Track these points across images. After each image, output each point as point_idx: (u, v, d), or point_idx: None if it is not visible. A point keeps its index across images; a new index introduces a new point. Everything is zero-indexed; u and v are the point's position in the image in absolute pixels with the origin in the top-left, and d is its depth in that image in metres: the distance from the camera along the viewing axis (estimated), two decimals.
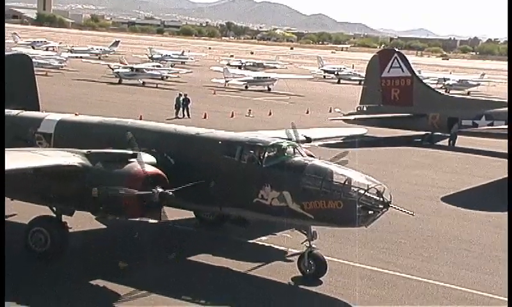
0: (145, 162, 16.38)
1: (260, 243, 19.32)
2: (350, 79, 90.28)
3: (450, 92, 74.18)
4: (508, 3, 28.20)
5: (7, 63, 24.31)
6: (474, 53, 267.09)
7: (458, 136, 40.69)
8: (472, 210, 25.10)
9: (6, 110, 21.28)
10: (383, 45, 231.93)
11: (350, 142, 30.45)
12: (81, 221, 18.49)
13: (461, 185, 29.69)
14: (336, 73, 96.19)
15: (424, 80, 53.51)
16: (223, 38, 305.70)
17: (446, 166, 34.74)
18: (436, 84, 79.57)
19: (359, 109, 43.40)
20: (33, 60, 27.52)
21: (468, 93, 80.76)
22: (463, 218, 24.17)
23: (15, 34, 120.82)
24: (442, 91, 60.89)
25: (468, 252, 20.13)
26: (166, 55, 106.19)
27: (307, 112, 52.91)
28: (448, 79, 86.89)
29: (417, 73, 50.97)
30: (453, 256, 19.72)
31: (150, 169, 16.10)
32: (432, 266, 18.61)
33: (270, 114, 50.34)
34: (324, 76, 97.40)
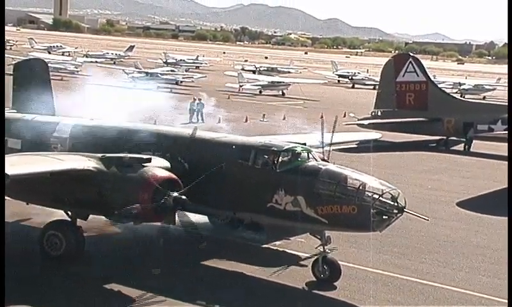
0: (159, 167, 16.44)
1: (274, 248, 19.29)
2: (364, 84, 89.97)
3: (466, 97, 73.72)
4: (508, 3, 28.03)
5: (23, 68, 24.59)
6: (490, 57, 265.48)
7: (475, 141, 40.43)
8: (488, 215, 24.92)
9: (21, 115, 21.53)
10: (397, 50, 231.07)
11: (364, 146, 30.35)
12: (96, 225, 18.55)
13: (476, 190, 29.51)
14: (350, 77, 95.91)
15: (439, 85, 53.27)
16: (238, 42, 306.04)
17: (461, 171, 34.56)
18: (451, 88, 79.13)
19: (373, 114, 43.25)
20: (49, 65, 27.70)
21: (484, 98, 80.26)
22: (478, 223, 24.01)
23: (32, 39, 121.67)
24: (457, 96, 60.57)
25: (484, 258, 19.98)
26: (181, 60, 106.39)
27: (321, 117, 52.69)
28: (464, 84, 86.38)
29: (432, 78, 50.75)
30: (469, 261, 19.59)
31: (164, 174, 16.14)
32: (448, 271, 18.49)
33: (284, 118, 50.29)
34: (339, 81, 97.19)
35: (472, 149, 40.50)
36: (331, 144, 18.70)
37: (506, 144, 38.10)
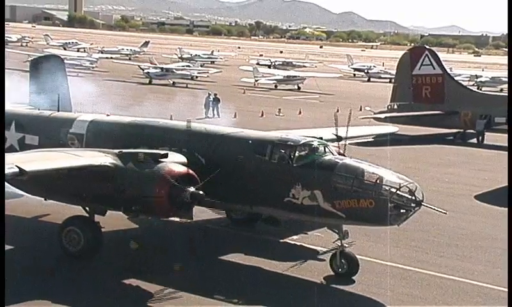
0: (176, 162, 16.45)
1: (292, 242, 19.27)
2: (380, 77, 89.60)
3: (483, 89, 73.18)
4: (508, 3, 27.76)
5: (40, 64, 24.74)
6: (507, 49, 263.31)
7: (492, 134, 40.10)
8: (506, 208, 24.67)
9: (38, 111, 21.64)
10: (413, 43, 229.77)
11: (381, 140, 30.23)
12: (114, 221, 18.63)
13: (494, 183, 29.28)
14: (366, 71, 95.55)
15: (456, 78, 52.91)
16: (252, 37, 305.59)
17: (479, 164, 34.33)
18: (468, 81, 78.59)
19: (390, 107, 43.07)
20: (65, 61, 27.83)
21: (501, 90, 79.62)
22: (496, 216, 23.82)
23: (47, 35, 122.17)
24: (474, 89, 60.15)
25: (502, 251, 19.75)
26: (196, 55, 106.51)
27: (337, 111, 52.56)
28: (481, 76, 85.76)
29: (449, 71, 50.42)
30: (487, 254, 19.48)
31: (181, 169, 16.14)
32: (467, 264, 18.39)
33: (300, 113, 50.23)
34: (354, 74, 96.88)
35: (489, 142, 40.17)
36: (346, 138, 18.68)
37: None
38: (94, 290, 15.41)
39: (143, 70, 71.16)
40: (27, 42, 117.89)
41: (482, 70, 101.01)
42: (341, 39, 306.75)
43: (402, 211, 15.82)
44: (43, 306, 14.44)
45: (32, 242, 18.19)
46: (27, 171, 14.78)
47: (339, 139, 19.34)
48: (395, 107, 42.68)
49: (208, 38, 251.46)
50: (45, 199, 18.25)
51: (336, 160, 16.54)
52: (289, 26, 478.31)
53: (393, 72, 53.06)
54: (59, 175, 16.37)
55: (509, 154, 27.14)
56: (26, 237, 18.26)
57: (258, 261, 17.55)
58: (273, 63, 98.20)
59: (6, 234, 12.88)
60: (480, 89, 70.32)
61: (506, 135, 39.28)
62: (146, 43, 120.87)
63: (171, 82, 69.26)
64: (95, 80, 68.48)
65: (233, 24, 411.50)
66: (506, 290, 16.54)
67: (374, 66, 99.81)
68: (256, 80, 70.14)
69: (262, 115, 46.94)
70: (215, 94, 47.65)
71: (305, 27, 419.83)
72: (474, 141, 41.01)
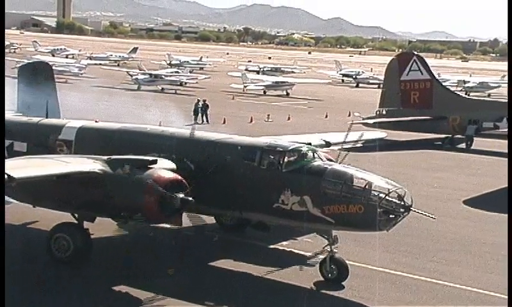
0: (165, 168, 16.43)
1: (281, 248, 19.27)
2: (369, 83, 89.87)
3: (471, 94, 73.58)
4: (508, 3, 27.97)
5: (28, 71, 24.64)
6: (494, 55, 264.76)
7: (480, 138, 40.30)
8: (495, 213, 24.84)
9: (27, 118, 21.56)
10: (401, 49, 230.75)
11: (370, 145, 30.28)
12: (103, 227, 18.56)
13: (483, 187, 29.44)
14: (354, 77, 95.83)
15: (444, 83, 53.14)
16: (241, 43, 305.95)
17: (467, 169, 34.50)
18: (456, 86, 78.99)
19: (378, 113, 43.20)
20: (53, 67, 27.74)
21: (489, 95, 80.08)
22: (485, 221, 23.95)
23: (35, 42, 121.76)
24: (462, 94, 60.44)
25: (491, 255, 19.92)
26: (185, 61, 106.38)
27: (326, 117, 52.76)
28: (468, 81, 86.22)
29: (437, 76, 50.65)
30: (476, 259, 19.55)
31: (170, 175, 16.12)
32: (456, 269, 18.45)
33: (289, 118, 50.29)
34: (343, 80, 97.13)
35: (477, 147, 40.38)
36: (329, 144, 18.75)
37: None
38: (84, 297, 15.31)
39: (132, 76, 71.02)
40: (15, 49, 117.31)
41: (470, 76, 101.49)
42: (329, 45, 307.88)
43: (391, 216, 15.87)
44: None
45: (21, 249, 18.05)
46: (16, 177, 14.69)
47: (328, 144, 19.41)
48: (384, 112, 42.81)
49: (197, 44, 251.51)
50: (34, 206, 18.17)
51: (325, 165, 16.57)
52: (278, 32, 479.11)
53: (382, 78, 53.16)
54: (48, 182, 16.30)
55: (509, 158, 27.26)
56: (15, 244, 18.13)
57: (247, 267, 17.53)
58: (262, 69, 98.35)
59: None
60: (468, 95, 70.72)
61: (493, 140, 39.64)
62: (134, 49, 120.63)
63: (160, 88, 69.15)
64: (84, 86, 68.30)
65: (222, 30, 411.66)
66: (496, 294, 16.70)
67: (363, 72, 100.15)
68: (245, 86, 70.20)
69: (251, 121, 46.96)
70: (204, 101, 47.64)
71: (293, 33, 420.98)
72: (463, 145, 41.21)
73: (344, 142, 18.51)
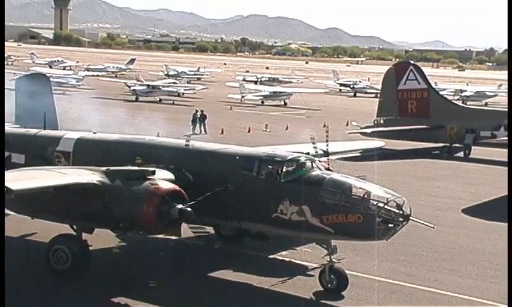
0: (163, 179, 16.41)
1: (281, 258, 19.22)
2: (366, 92, 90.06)
3: (468, 103, 73.69)
4: (508, 5, 28.09)
5: (25, 83, 24.62)
6: (491, 64, 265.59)
7: (479, 147, 40.32)
8: (494, 222, 24.82)
9: (25, 130, 21.53)
10: (398, 58, 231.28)
11: (368, 155, 30.31)
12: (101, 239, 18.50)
13: (481, 196, 29.43)
14: (352, 86, 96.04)
15: (441, 92, 53.24)
16: (238, 53, 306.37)
17: (466, 177, 34.49)
18: (453, 95, 79.12)
19: (376, 122, 43.24)
20: (51, 79, 27.73)
21: (486, 104, 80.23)
22: (484, 230, 23.93)
23: (33, 54, 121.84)
24: (459, 103, 60.53)
25: (490, 264, 19.90)
26: (182, 72, 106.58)
27: (324, 126, 52.70)
28: (465, 90, 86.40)
29: (433, 85, 50.73)
30: (476, 268, 19.51)
31: (169, 186, 16.11)
32: (455, 278, 18.42)
33: (287, 128, 50.30)
34: (340, 90, 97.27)
35: (475, 156, 40.40)
36: (328, 154, 18.77)
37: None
38: None
39: (130, 87, 71.04)
40: (12, 61, 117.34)
41: (467, 85, 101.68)
42: (326, 55, 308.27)
43: (390, 225, 15.86)
44: None
45: (19, 261, 17.99)
46: (14, 189, 14.65)
47: (326, 154, 19.39)
48: (382, 121, 42.86)
49: (195, 54, 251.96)
50: (32, 218, 18.12)
51: (324, 175, 16.57)
52: (275, 42, 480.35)
53: (379, 87, 53.30)
54: (46, 193, 16.27)
55: (508, 167, 27.25)
56: (13, 256, 18.06)
57: (246, 278, 17.48)
58: (259, 79, 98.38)
59: None
60: (465, 104, 70.81)
61: (491, 148, 39.65)
62: (132, 61, 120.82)
63: (158, 99, 69.20)
64: (81, 98, 68.22)
65: (219, 41, 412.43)
66: (496, 303, 16.66)
67: (360, 81, 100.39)
68: (243, 97, 70.25)
69: (249, 131, 46.97)
70: (202, 111, 47.68)
71: (291, 43, 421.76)
72: (460, 154, 41.24)
73: (324, 150, 18.56)
